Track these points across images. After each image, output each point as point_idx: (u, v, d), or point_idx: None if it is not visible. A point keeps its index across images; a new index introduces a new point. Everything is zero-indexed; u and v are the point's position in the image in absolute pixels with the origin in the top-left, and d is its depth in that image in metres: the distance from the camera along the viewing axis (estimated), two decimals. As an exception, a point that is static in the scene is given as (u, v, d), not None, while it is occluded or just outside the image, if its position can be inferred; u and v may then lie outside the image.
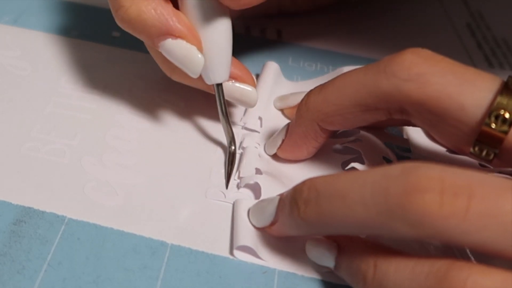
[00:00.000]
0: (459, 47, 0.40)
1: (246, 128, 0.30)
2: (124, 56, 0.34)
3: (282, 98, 0.32)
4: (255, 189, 0.27)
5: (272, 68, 0.33)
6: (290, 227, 0.23)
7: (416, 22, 0.43)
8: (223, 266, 0.24)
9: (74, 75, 0.32)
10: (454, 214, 0.18)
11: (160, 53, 0.27)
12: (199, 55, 0.26)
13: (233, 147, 0.28)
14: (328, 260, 0.23)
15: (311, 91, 0.26)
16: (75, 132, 0.29)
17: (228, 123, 0.28)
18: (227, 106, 0.28)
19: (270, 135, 0.29)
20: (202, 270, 0.23)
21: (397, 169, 0.20)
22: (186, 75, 0.27)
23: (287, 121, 0.28)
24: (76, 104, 0.30)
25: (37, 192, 0.25)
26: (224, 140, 0.29)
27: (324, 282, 0.24)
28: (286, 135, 0.27)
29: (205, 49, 0.26)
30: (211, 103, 0.32)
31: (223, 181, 0.27)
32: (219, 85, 0.27)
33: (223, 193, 0.27)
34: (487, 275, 0.18)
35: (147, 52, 0.34)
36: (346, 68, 0.33)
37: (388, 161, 0.28)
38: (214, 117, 0.31)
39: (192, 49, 0.26)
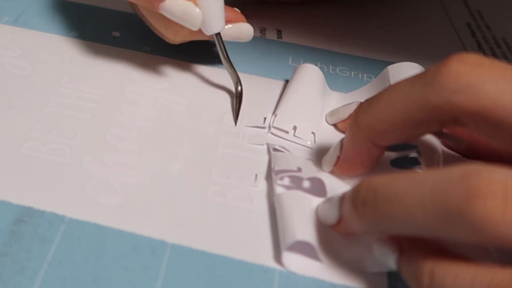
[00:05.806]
0: (459, 47, 0.40)
1: (273, 134, 0.30)
2: (124, 56, 0.34)
3: (333, 113, 0.31)
4: (318, 185, 0.26)
5: (317, 78, 0.32)
6: (353, 226, 0.23)
7: (416, 22, 0.43)
8: (223, 265, 0.24)
9: (74, 75, 0.32)
10: None
11: (161, 20, 0.30)
12: (197, 9, 0.29)
13: (239, 87, 0.31)
14: (390, 261, 0.22)
15: (359, 107, 0.25)
16: (75, 131, 0.29)
17: (231, 66, 0.31)
18: (227, 50, 0.31)
19: (324, 151, 0.28)
20: (202, 270, 0.23)
21: (458, 172, 0.19)
22: (187, 33, 0.31)
23: (341, 135, 0.27)
24: (76, 104, 0.30)
25: (37, 192, 0.25)
26: (225, 139, 0.29)
27: (324, 282, 0.23)
28: (340, 152, 0.27)
29: (200, 3, 0.29)
30: (211, 102, 0.32)
31: (224, 180, 0.27)
32: (218, 34, 0.31)
33: (224, 193, 0.26)
34: None
35: (147, 52, 0.35)
36: (391, 69, 0.32)
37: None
38: (214, 116, 0.31)
39: (190, 5, 0.28)
